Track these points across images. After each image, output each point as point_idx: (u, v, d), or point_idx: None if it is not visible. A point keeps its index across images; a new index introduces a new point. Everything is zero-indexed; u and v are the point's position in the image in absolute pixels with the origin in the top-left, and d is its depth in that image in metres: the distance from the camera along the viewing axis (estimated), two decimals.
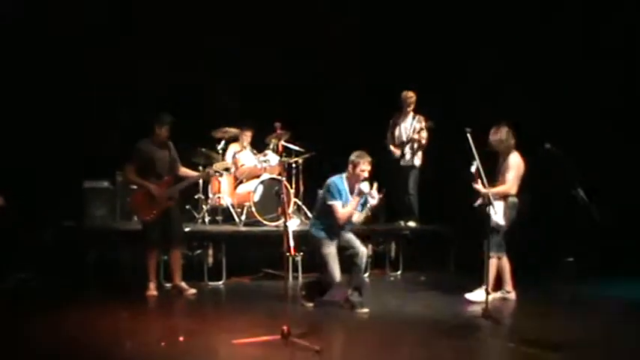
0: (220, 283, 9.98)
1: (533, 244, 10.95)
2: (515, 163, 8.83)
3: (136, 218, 10.76)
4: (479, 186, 8.56)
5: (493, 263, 8.74)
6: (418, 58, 12.49)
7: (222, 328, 7.54)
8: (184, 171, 9.48)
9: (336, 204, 8.37)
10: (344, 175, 8.53)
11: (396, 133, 11.34)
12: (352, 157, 8.45)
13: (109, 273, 9.78)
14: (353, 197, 8.40)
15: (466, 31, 12.37)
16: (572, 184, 8.82)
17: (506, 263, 8.92)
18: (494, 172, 8.80)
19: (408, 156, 11.26)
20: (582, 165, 9.05)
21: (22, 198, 10.11)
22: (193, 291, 9.25)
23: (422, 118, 11.22)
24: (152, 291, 9.04)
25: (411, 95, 11.26)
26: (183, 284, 9.27)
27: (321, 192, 8.70)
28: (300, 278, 10.13)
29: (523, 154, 8.95)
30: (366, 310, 8.33)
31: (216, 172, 9.75)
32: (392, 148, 11.28)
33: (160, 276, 9.41)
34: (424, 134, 11.12)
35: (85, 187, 11.19)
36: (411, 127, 11.23)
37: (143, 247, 9.15)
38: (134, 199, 9.30)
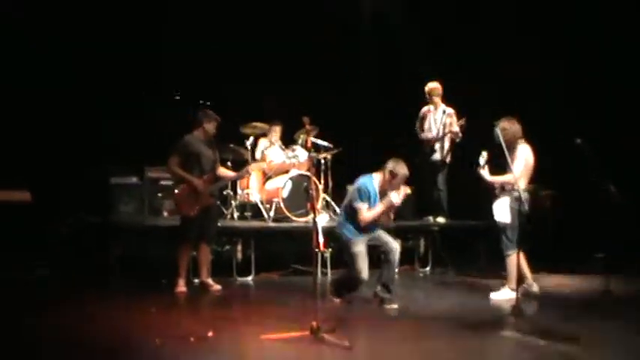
0: (249, 278, 10.00)
1: (562, 240, 10.88)
2: (522, 155, 8.64)
3: (165, 214, 10.88)
4: (484, 172, 8.51)
5: (511, 260, 8.67)
6: (441, 52, 12.47)
7: (251, 323, 7.53)
8: (222, 171, 9.51)
9: (362, 207, 8.21)
10: (375, 177, 8.35)
11: (426, 126, 11.28)
12: (393, 166, 8.22)
13: (137, 269, 9.81)
14: (381, 203, 8.26)
15: (493, 24, 12.34)
16: (602, 180, 8.73)
17: (515, 260, 8.77)
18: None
19: (438, 152, 11.21)
20: (613, 161, 8.99)
21: (49, 193, 10.24)
22: (218, 287, 9.25)
23: (452, 112, 11.16)
24: (181, 287, 9.04)
25: (435, 87, 11.17)
26: (210, 280, 9.27)
27: (350, 189, 8.62)
28: (330, 274, 10.11)
29: (541, 148, 8.87)
30: (395, 305, 8.30)
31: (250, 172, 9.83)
32: (423, 137, 11.18)
33: (189, 272, 9.42)
34: (456, 129, 11.04)
35: (112, 183, 11.26)
36: (441, 122, 11.16)
37: (178, 241, 9.10)
38: (179, 193, 9.14)
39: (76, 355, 6.40)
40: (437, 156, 11.24)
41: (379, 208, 8.26)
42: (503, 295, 8.73)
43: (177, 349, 6.50)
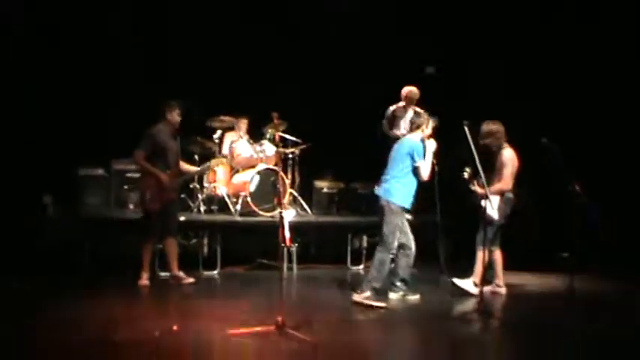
0: (215, 272, 9.96)
1: (529, 239, 10.96)
2: (508, 159, 8.83)
3: (131, 207, 10.82)
4: (475, 187, 8.60)
5: (482, 256, 8.75)
6: (412, 51, 12.50)
7: (217, 317, 7.51)
8: (183, 165, 9.45)
9: (423, 164, 8.40)
10: (413, 137, 8.59)
11: (398, 123, 11.18)
12: (421, 118, 8.71)
13: (102, 262, 9.72)
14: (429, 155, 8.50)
15: (462, 26, 12.41)
16: (569, 180, 8.80)
17: (499, 257, 8.93)
18: (488, 167, 8.76)
19: None
20: (579, 161, 9.06)
21: (16, 184, 10.14)
22: (191, 280, 9.21)
23: (422, 113, 11.16)
24: (144, 280, 8.96)
25: (415, 92, 11.09)
26: (181, 273, 9.22)
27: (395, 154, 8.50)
28: (295, 269, 10.12)
29: (518, 149, 8.97)
30: (417, 295, 8.61)
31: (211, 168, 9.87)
32: (392, 134, 11.04)
33: (154, 265, 9.37)
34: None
35: (80, 175, 11.17)
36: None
37: (144, 235, 9.02)
38: (145, 186, 9.05)
39: (36, 352, 6.35)
40: None
41: (429, 160, 8.48)
42: (465, 285, 8.87)
43: (141, 343, 6.48)
